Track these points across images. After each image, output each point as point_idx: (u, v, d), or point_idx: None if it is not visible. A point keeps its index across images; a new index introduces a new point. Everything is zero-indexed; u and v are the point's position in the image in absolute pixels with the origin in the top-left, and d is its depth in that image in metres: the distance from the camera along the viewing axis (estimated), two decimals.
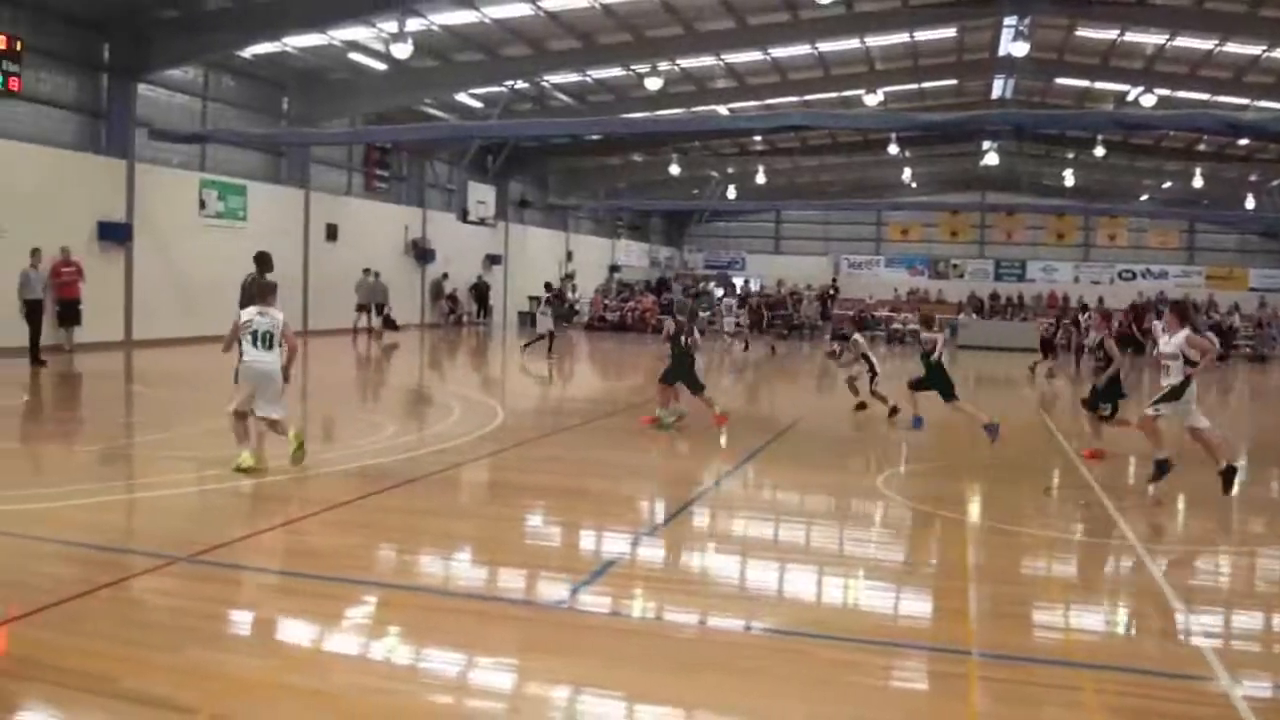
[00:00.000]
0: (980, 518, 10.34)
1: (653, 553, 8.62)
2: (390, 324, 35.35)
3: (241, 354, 11.01)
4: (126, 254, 26.27)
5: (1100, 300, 42.25)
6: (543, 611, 6.80)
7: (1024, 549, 9.06)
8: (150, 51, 26.34)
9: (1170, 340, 11.50)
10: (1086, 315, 30.75)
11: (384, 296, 35.27)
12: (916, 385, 15.78)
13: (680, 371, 15.31)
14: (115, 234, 25.90)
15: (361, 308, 34.17)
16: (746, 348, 34.63)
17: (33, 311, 21.18)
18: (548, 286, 31.26)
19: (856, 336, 18.24)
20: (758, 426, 16.79)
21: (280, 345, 10.99)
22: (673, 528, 9.49)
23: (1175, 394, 11.19)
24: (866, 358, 17.50)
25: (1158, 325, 13.62)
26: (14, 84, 22.11)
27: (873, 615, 7.22)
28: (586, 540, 9.17)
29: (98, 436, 13.77)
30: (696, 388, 15.31)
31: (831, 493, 11.39)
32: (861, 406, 17.40)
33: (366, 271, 34.78)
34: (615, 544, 8.86)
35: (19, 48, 22.37)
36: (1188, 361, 11.45)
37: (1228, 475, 11.12)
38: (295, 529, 8.67)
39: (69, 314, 23.39)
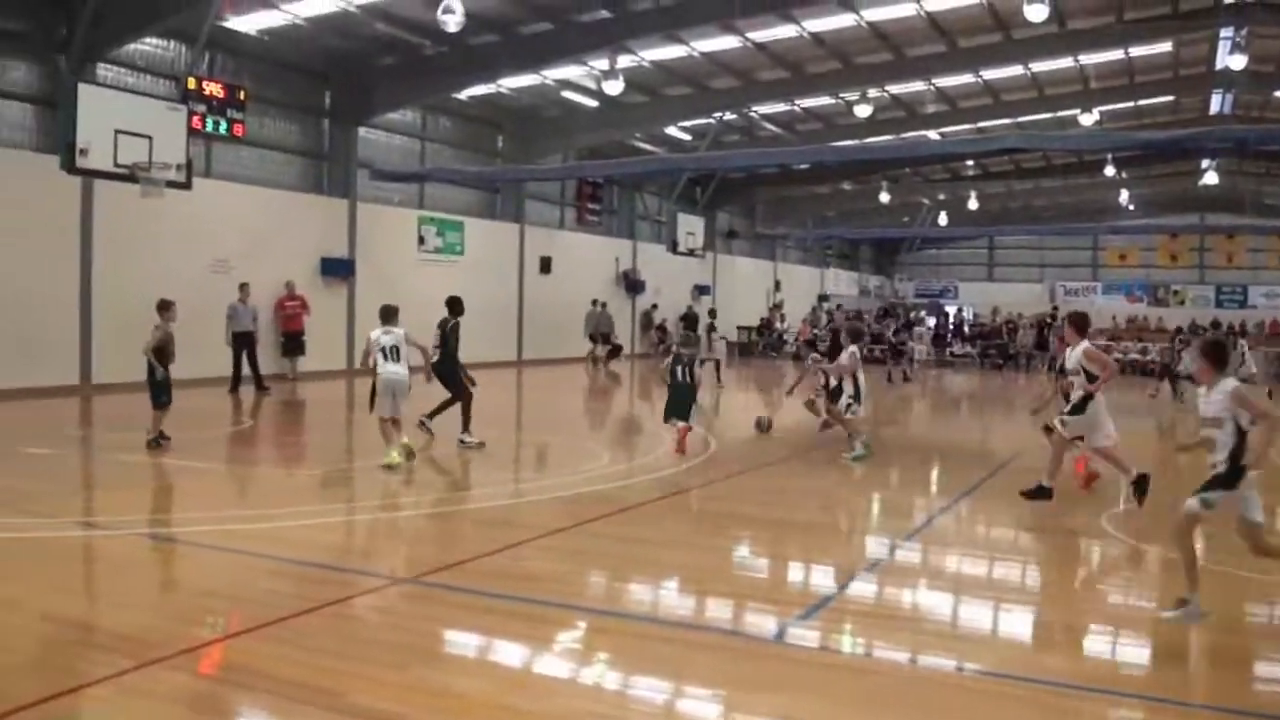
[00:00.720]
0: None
1: (865, 588, 8.45)
2: (615, 353, 36.09)
3: (377, 369, 13.17)
4: (349, 288, 27.46)
5: None
6: (753, 644, 6.79)
7: (1258, 594, 8.52)
8: (371, 97, 27.59)
9: (1070, 355, 11.08)
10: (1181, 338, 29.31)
11: (609, 326, 36.05)
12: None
13: (677, 406, 15.14)
14: (338, 269, 27.17)
15: (592, 337, 35.05)
16: (906, 379, 33.26)
17: (240, 342, 22.21)
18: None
19: (852, 348, 15.70)
20: (974, 460, 16.36)
21: (406, 355, 13.29)
22: (886, 563, 9.31)
23: (1076, 410, 10.94)
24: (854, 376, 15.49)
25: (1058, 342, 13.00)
26: (238, 130, 23.62)
27: (1092, 660, 6.94)
28: (797, 573, 9.11)
29: (320, 460, 14.43)
30: (681, 415, 15.07)
31: (1050, 529, 10.97)
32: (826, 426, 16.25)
33: (594, 303, 35.70)
34: (827, 578, 8.79)
35: (242, 96, 23.87)
36: (1089, 377, 10.93)
37: (1139, 484, 10.84)
38: (514, 554, 8.86)
39: (293, 345, 24.69)
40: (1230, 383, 7.26)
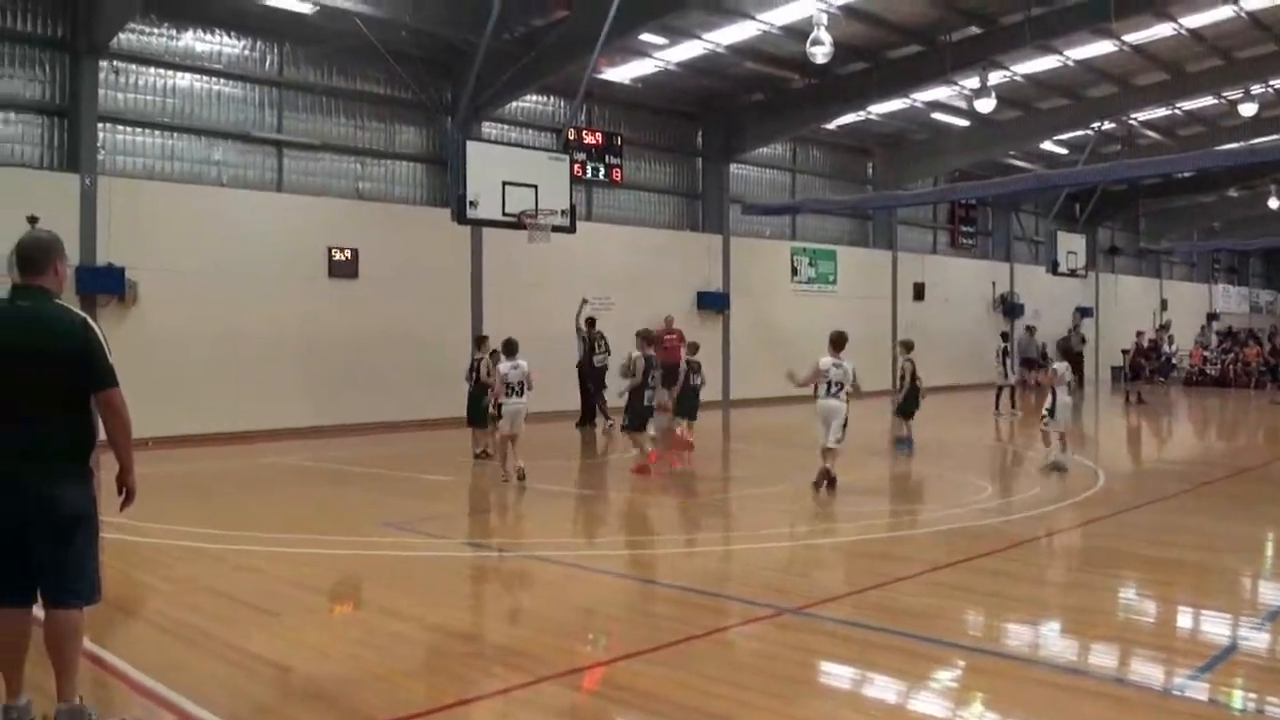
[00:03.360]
0: None
1: (1265, 640, 7.69)
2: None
3: (500, 401, 14.55)
4: (724, 320, 27.96)
5: None
6: (1140, 693, 6.31)
7: None
8: (741, 134, 28.23)
9: None
10: None
11: (1035, 352, 34.70)
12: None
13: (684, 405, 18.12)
14: (714, 302, 27.79)
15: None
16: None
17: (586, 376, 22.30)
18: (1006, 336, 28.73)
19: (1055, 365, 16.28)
20: None
21: (529, 389, 14.44)
22: None
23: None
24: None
25: None
26: (616, 175, 24.68)
27: None
28: (1185, 619, 8.37)
29: (701, 489, 14.69)
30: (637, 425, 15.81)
31: None
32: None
33: (1029, 329, 35.05)
34: (1220, 626, 8.03)
35: (619, 143, 24.92)
36: None
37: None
38: (893, 588, 8.70)
39: (670, 377, 25.16)
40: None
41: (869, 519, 12.07)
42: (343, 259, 21.49)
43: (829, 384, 13.50)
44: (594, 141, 25.49)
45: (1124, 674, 6.82)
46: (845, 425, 13.63)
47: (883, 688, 6.61)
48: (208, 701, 5.84)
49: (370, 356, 21.47)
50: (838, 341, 13.84)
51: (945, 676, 6.74)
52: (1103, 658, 7.23)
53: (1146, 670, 6.91)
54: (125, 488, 5.51)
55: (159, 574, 9.17)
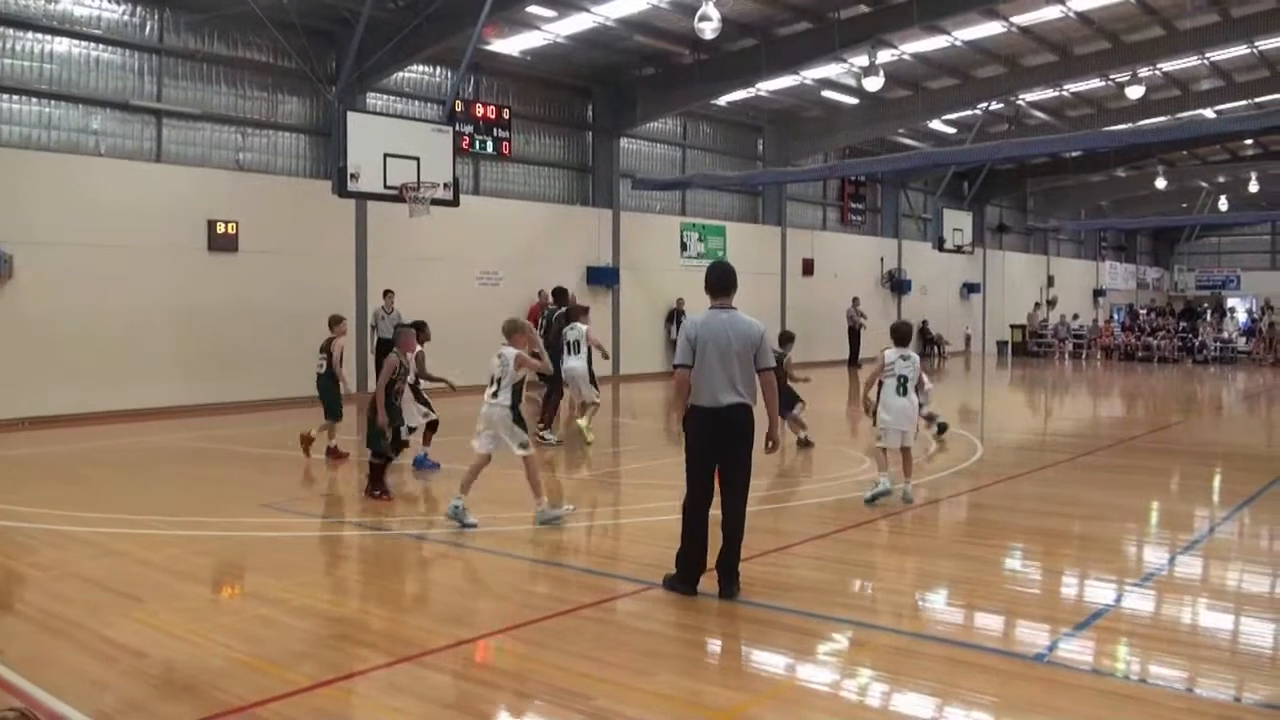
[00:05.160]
0: None
1: (1140, 605, 7.86)
2: None
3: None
4: (613, 295, 27.95)
5: None
6: (1020, 664, 6.36)
7: None
8: (632, 108, 28.16)
9: None
10: None
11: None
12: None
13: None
14: (603, 277, 27.72)
15: None
16: None
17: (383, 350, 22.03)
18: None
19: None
20: (1259, 465, 15.21)
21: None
22: (1162, 579, 8.66)
23: None
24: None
25: None
26: (505, 148, 24.52)
27: None
28: (1069, 588, 8.52)
29: (586, 464, 14.64)
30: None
31: None
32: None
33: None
34: (1100, 593, 8.19)
35: (508, 116, 24.72)
36: None
37: None
38: (771, 560, 8.73)
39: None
40: None
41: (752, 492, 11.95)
42: (224, 232, 20.96)
43: (898, 380, 11.35)
44: (483, 114, 25.22)
45: (1007, 645, 6.85)
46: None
47: (757, 661, 6.64)
48: (72, 697, 5.67)
49: (252, 332, 20.99)
50: (903, 333, 11.86)
51: (826, 650, 6.74)
52: (985, 627, 7.32)
53: (1027, 640, 7.01)
54: None
55: (26, 560, 8.86)
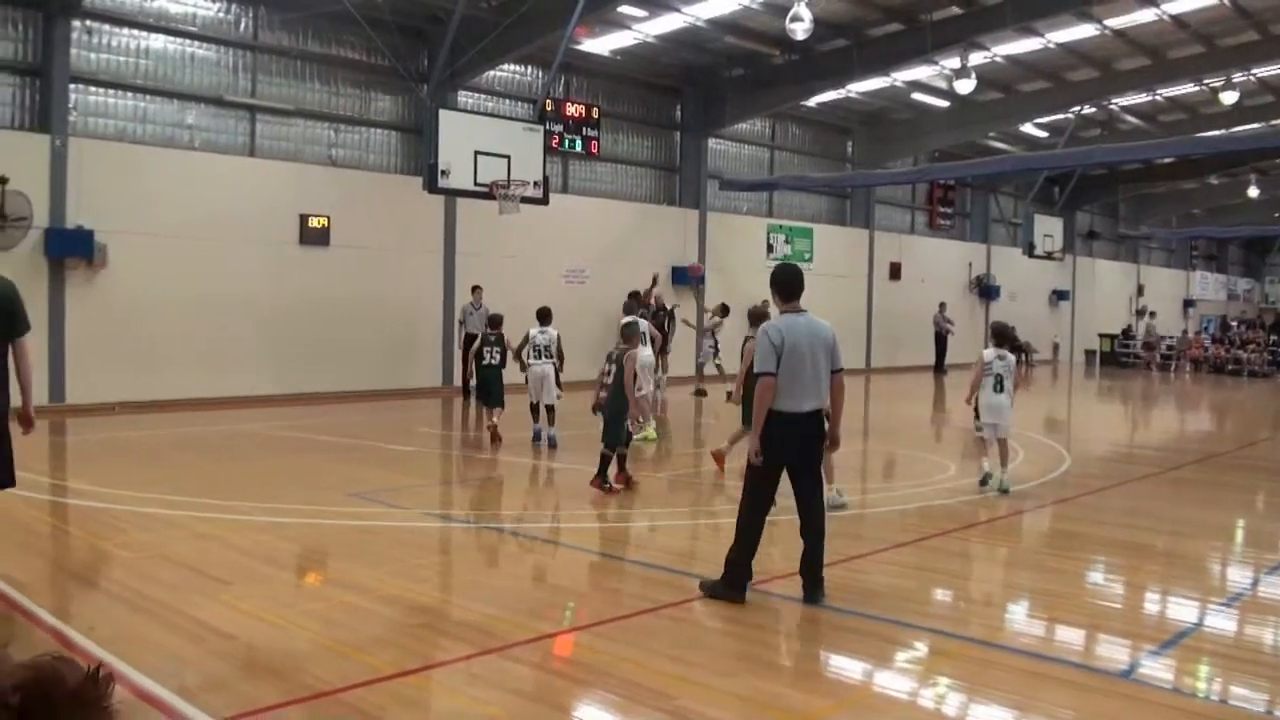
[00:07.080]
0: None
1: (1224, 625, 7.68)
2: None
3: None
4: (697, 297, 27.91)
5: None
6: (1101, 680, 6.25)
7: None
8: (721, 109, 28.11)
9: None
10: None
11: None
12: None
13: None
14: (689, 277, 27.66)
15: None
16: None
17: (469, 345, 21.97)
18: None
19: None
20: None
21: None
22: (1248, 599, 8.42)
23: None
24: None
25: None
26: (593, 147, 24.62)
27: None
28: (1152, 604, 8.38)
29: (669, 464, 14.67)
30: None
31: None
32: None
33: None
34: (1184, 611, 8.03)
35: (596, 115, 24.84)
36: None
37: None
38: (853, 566, 8.69)
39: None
40: None
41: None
42: (315, 226, 21.33)
43: (996, 378, 12.39)
44: (572, 113, 25.40)
45: (1088, 660, 6.74)
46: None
47: (838, 667, 6.62)
48: (158, 673, 5.79)
49: (341, 325, 21.36)
50: (1003, 334, 13.21)
51: (906, 658, 6.69)
52: (1066, 641, 7.20)
53: (1109, 655, 6.86)
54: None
55: (117, 540, 9.10)
